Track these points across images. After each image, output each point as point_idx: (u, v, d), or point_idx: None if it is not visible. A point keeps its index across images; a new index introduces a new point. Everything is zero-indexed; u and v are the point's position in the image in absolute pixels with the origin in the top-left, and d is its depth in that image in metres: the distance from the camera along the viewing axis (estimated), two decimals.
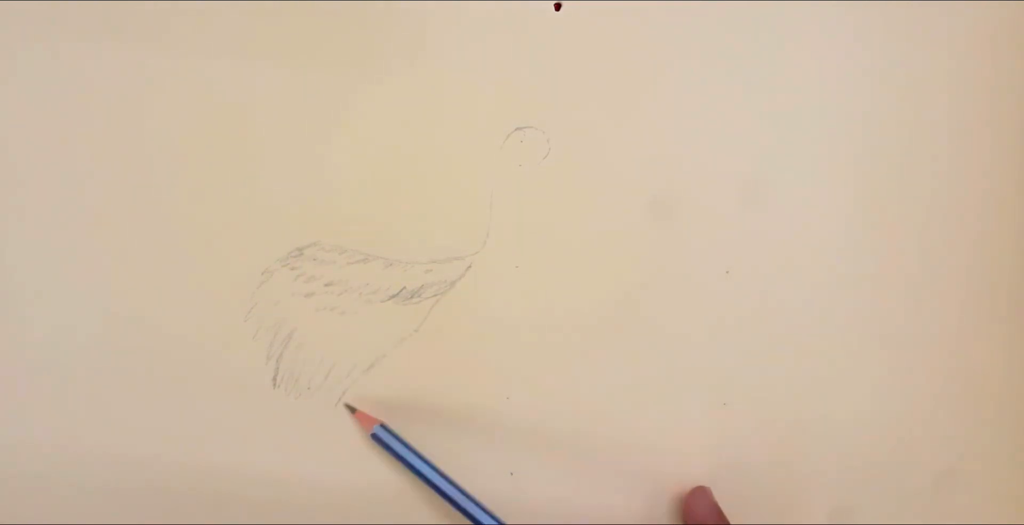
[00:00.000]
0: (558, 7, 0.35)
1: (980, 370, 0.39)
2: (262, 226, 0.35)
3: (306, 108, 0.35)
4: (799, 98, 0.37)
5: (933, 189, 0.38)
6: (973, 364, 0.39)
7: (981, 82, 0.37)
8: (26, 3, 0.34)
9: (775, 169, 0.37)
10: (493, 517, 0.34)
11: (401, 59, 0.35)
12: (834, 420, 0.38)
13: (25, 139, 0.35)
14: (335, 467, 0.36)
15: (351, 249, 0.36)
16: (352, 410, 0.36)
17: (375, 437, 0.35)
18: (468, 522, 0.34)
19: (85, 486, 0.36)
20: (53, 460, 0.36)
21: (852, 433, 0.38)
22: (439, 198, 0.36)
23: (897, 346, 0.38)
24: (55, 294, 0.35)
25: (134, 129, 0.35)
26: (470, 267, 0.36)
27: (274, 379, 0.36)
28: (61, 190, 0.35)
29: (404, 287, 0.36)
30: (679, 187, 0.37)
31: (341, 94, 0.35)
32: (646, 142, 0.36)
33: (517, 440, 0.37)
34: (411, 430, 0.36)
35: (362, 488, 0.36)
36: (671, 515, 0.37)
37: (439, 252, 0.36)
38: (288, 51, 0.35)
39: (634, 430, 0.37)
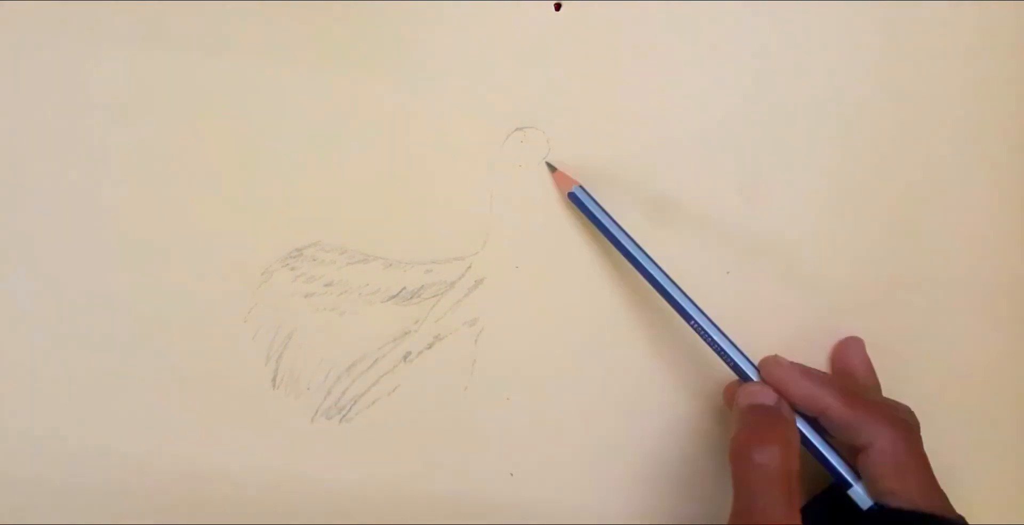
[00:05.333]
0: (558, 7, 0.35)
1: (980, 370, 0.39)
2: (262, 226, 0.35)
3: (306, 108, 0.35)
4: (799, 99, 0.37)
5: (934, 190, 0.38)
6: (973, 364, 0.39)
7: (982, 82, 0.37)
8: (26, 3, 0.34)
9: (775, 169, 0.37)
10: (689, 299, 0.34)
11: (401, 59, 0.35)
12: None
13: (26, 139, 0.35)
14: (335, 467, 0.36)
15: (351, 249, 0.36)
16: (552, 169, 0.35)
17: (572, 196, 0.35)
18: (660, 294, 0.34)
19: (85, 486, 0.36)
20: (53, 460, 0.36)
21: None
22: (439, 198, 0.36)
23: (897, 346, 0.38)
24: (55, 294, 0.35)
25: (134, 129, 0.35)
26: (470, 267, 0.36)
27: (274, 379, 0.36)
28: (61, 190, 0.35)
29: (404, 287, 0.36)
30: (679, 187, 0.37)
31: (341, 94, 0.35)
32: (646, 142, 0.36)
33: (517, 440, 0.37)
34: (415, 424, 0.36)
35: (362, 488, 0.36)
36: (671, 515, 0.37)
37: (439, 253, 0.36)
38: (288, 51, 0.35)
39: (634, 430, 0.37)
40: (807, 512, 0.31)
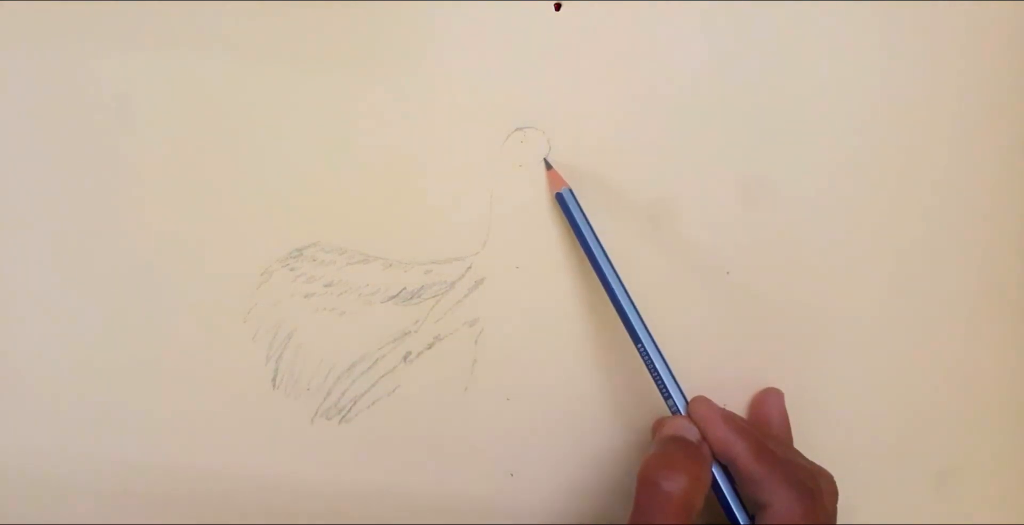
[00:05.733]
0: (558, 7, 0.35)
1: (980, 370, 0.39)
2: (262, 226, 0.35)
3: (306, 108, 0.35)
4: (799, 97, 0.37)
5: (933, 189, 0.38)
6: (973, 364, 0.39)
7: (981, 82, 0.37)
8: (27, 3, 0.34)
9: (775, 169, 0.37)
10: (642, 323, 0.34)
11: (401, 59, 0.35)
12: (834, 420, 0.38)
13: (25, 139, 0.35)
14: (335, 467, 0.36)
15: (351, 249, 0.36)
16: (548, 166, 0.36)
17: (559, 197, 0.35)
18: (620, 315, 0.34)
19: (85, 486, 0.36)
20: (53, 460, 0.36)
21: (852, 433, 0.38)
22: (439, 198, 0.36)
23: (897, 346, 0.38)
24: (55, 294, 0.35)
25: (134, 129, 0.35)
26: (470, 268, 0.36)
27: (274, 379, 0.36)
28: (61, 190, 0.35)
29: (404, 288, 0.36)
30: (679, 187, 0.37)
31: (341, 94, 0.35)
32: (646, 142, 0.36)
33: (517, 440, 0.37)
34: (415, 424, 0.36)
35: (362, 488, 0.36)
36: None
37: (439, 253, 0.36)
38: (288, 51, 0.35)
39: (634, 430, 0.37)
40: None
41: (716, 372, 0.37)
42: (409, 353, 0.36)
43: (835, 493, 0.32)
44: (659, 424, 0.35)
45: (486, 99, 0.36)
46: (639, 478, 0.30)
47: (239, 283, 0.35)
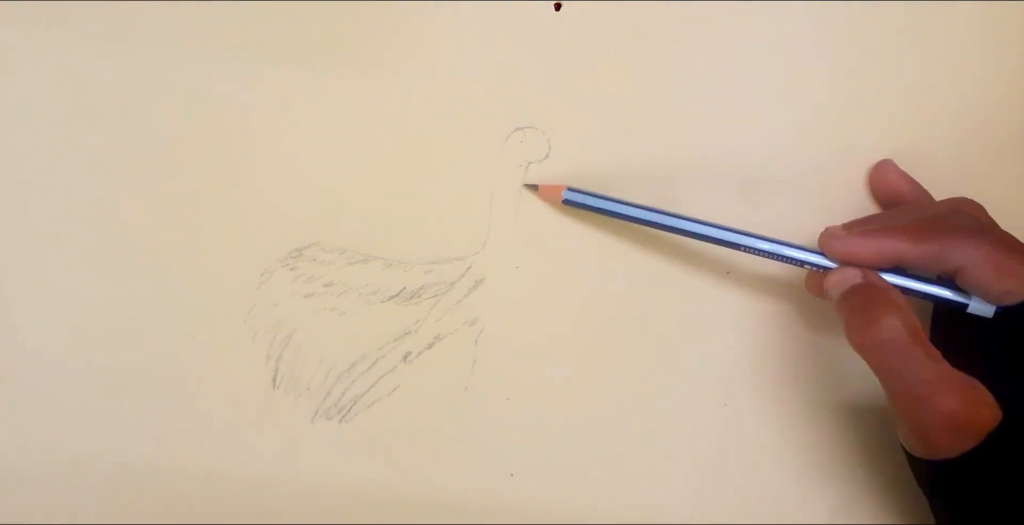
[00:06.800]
0: (558, 7, 0.35)
1: None
2: (262, 226, 0.36)
3: (306, 108, 0.35)
4: (799, 97, 0.37)
5: (933, 189, 0.38)
6: None
7: (982, 82, 0.37)
8: (27, 3, 0.34)
9: (776, 168, 0.37)
10: (732, 230, 0.33)
11: (401, 59, 0.35)
12: (834, 419, 0.38)
13: (25, 140, 0.35)
14: (335, 467, 0.36)
15: (351, 249, 0.36)
16: (534, 188, 0.35)
17: (568, 202, 0.34)
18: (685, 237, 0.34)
19: (85, 486, 0.36)
20: (53, 460, 0.36)
21: (852, 432, 0.38)
22: (439, 198, 0.36)
23: None
24: (55, 294, 0.35)
25: (133, 129, 0.35)
26: (470, 268, 0.36)
27: (274, 379, 0.36)
28: (61, 190, 0.35)
29: (404, 287, 0.36)
30: (679, 186, 0.37)
31: (341, 94, 0.35)
32: (646, 142, 0.36)
33: (517, 440, 0.37)
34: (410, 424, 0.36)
35: (361, 488, 0.36)
36: (671, 516, 0.37)
37: (439, 253, 0.36)
38: (288, 51, 0.35)
39: (634, 430, 0.37)
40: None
41: (715, 370, 0.37)
42: (409, 353, 0.36)
43: (981, 207, 0.33)
44: (813, 286, 0.34)
45: (486, 99, 0.36)
46: (857, 347, 0.30)
47: (239, 283, 0.36)
